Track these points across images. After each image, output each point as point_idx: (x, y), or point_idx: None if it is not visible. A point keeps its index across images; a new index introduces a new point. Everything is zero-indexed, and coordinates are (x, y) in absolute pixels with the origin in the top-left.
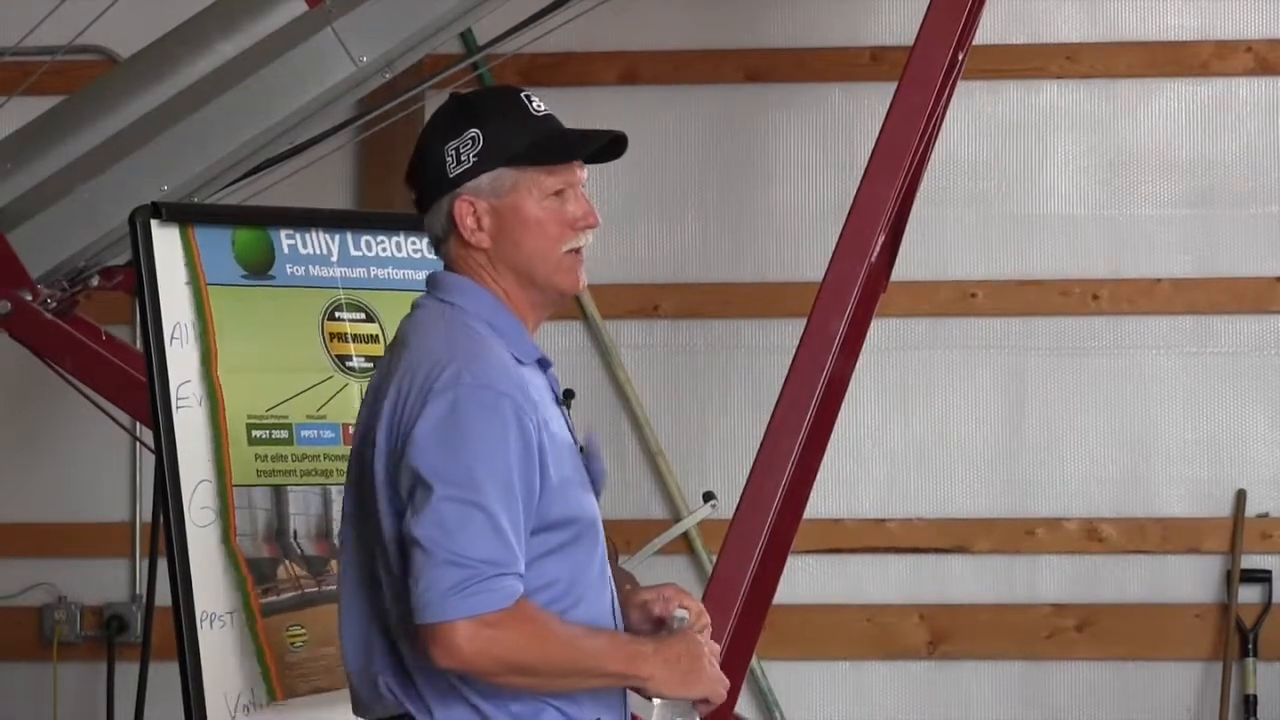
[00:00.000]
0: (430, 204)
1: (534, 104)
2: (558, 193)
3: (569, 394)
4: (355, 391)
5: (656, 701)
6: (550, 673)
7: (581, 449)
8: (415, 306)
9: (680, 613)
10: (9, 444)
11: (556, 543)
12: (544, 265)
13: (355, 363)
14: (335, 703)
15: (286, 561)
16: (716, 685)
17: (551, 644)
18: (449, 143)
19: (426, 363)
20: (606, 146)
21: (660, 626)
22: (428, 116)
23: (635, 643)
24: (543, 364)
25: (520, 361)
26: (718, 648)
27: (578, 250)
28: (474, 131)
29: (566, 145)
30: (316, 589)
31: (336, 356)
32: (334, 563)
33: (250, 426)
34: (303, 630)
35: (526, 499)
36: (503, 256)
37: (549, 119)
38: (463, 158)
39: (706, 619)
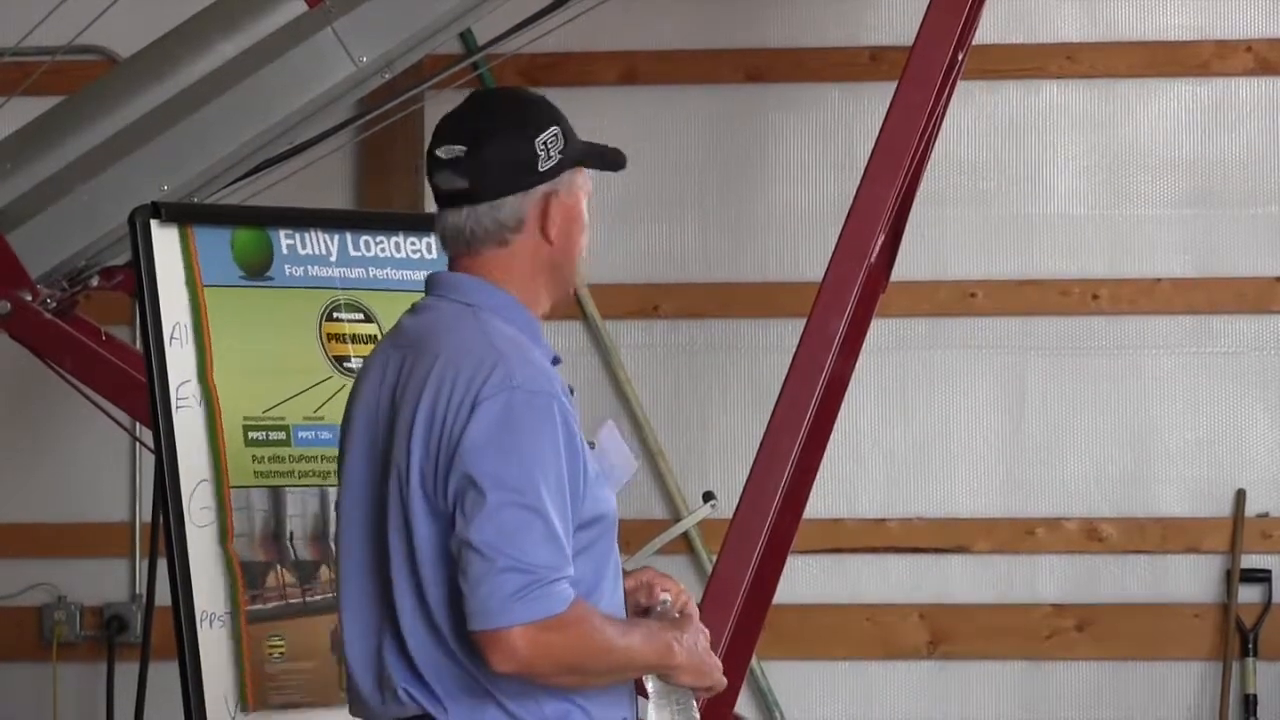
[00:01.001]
0: (503, 194)
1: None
2: (589, 197)
3: (570, 390)
4: None
5: (653, 688)
6: (599, 671)
7: (590, 444)
8: (422, 308)
9: (664, 597)
10: (9, 444)
11: (586, 541)
12: (576, 264)
13: (353, 364)
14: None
15: (279, 567)
16: (720, 674)
17: (600, 643)
18: (539, 136)
19: (469, 365)
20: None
21: (645, 615)
22: (427, 117)
23: (663, 632)
24: (554, 362)
25: None
26: (709, 633)
27: None
28: (556, 128)
29: (616, 155)
30: (301, 600)
31: (334, 357)
32: (324, 568)
33: (247, 428)
34: (282, 642)
35: (573, 500)
36: (555, 255)
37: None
38: (552, 153)
39: (686, 595)
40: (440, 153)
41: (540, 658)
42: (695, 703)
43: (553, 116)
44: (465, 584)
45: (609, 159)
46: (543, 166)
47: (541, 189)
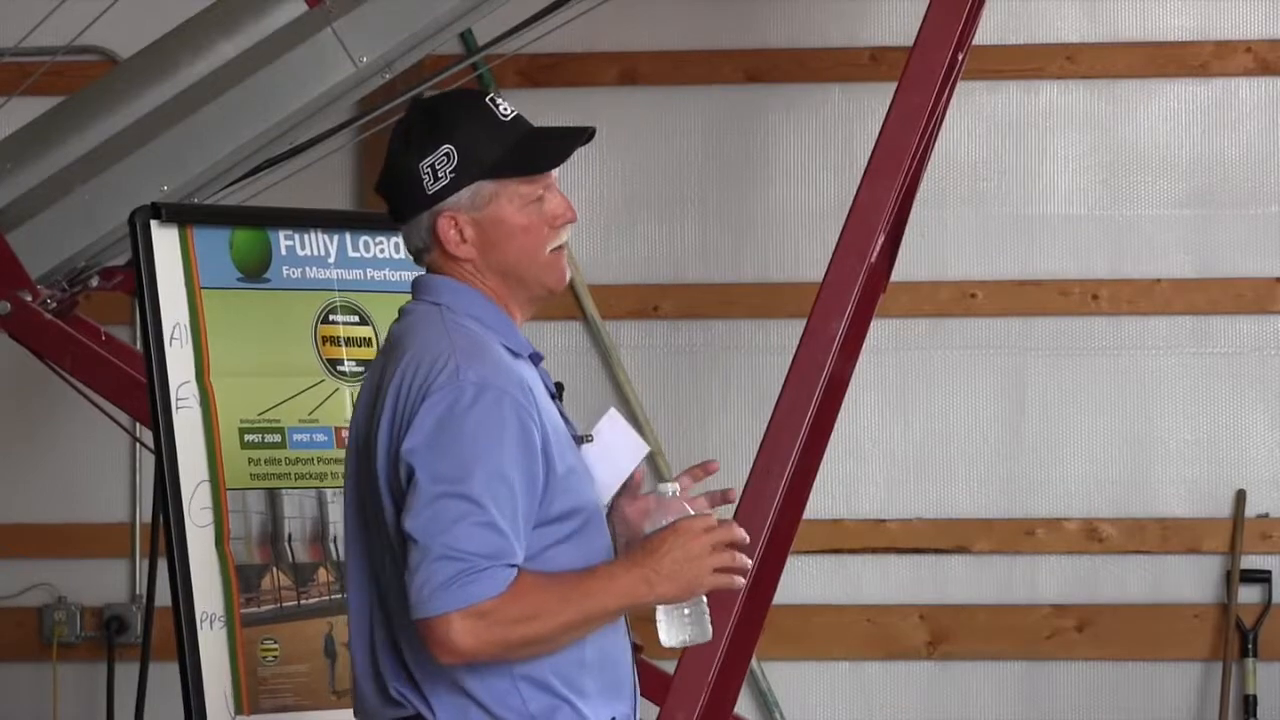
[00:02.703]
0: (408, 219)
1: (501, 108)
2: (537, 197)
3: (560, 387)
4: (346, 396)
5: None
6: (555, 634)
7: (580, 439)
8: (404, 312)
9: (662, 487)
10: (9, 444)
11: (564, 533)
12: (531, 267)
13: (346, 366)
14: None
15: (275, 569)
16: (728, 576)
17: (548, 611)
18: (423, 160)
19: (426, 362)
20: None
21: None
22: None
23: (629, 568)
24: (534, 358)
25: (515, 355)
26: (714, 519)
27: (560, 247)
28: (447, 147)
29: (544, 153)
30: (296, 603)
31: (328, 360)
32: (322, 570)
33: (243, 431)
34: (275, 645)
35: (529, 493)
36: (490, 263)
37: (518, 121)
38: (439, 174)
39: (699, 473)
40: None
41: (482, 645)
42: (704, 601)
43: (448, 134)
44: (407, 575)
45: (526, 159)
46: (430, 190)
47: (433, 211)
